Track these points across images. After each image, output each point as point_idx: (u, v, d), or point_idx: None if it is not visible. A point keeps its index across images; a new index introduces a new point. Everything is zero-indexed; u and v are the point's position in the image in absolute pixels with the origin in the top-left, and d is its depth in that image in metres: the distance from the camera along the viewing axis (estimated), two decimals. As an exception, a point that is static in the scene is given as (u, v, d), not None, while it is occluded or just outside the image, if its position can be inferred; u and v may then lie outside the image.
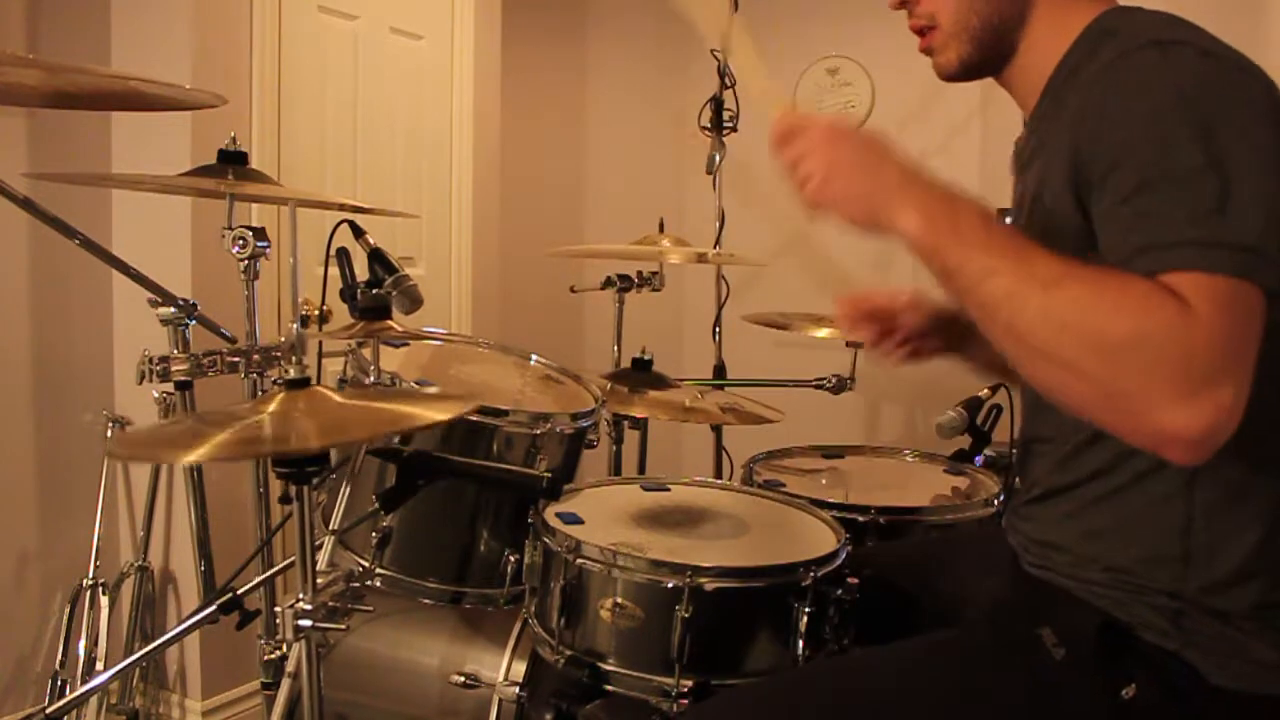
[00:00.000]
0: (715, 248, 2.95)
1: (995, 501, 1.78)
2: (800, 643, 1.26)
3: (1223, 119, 0.89)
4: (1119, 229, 0.91)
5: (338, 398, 1.15)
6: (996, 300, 0.90)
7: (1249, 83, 0.93)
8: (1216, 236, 0.85)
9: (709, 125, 2.92)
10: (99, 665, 2.27)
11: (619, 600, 1.27)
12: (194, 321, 1.64)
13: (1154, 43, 0.94)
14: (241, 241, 1.58)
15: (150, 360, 1.50)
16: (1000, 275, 0.90)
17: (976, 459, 2.11)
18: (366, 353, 1.62)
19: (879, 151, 0.99)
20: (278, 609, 1.23)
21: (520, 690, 1.52)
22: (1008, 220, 1.31)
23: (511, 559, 1.59)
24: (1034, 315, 0.87)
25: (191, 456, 1.01)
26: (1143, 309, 0.83)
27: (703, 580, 1.23)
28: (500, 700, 1.53)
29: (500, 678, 1.54)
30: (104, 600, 2.32)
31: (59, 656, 2.29)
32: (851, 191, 0.99)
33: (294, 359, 1.14)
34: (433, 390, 1.54)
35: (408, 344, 1.82)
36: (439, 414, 1.17)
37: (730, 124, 2.93)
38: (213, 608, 1.44)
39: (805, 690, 1.10)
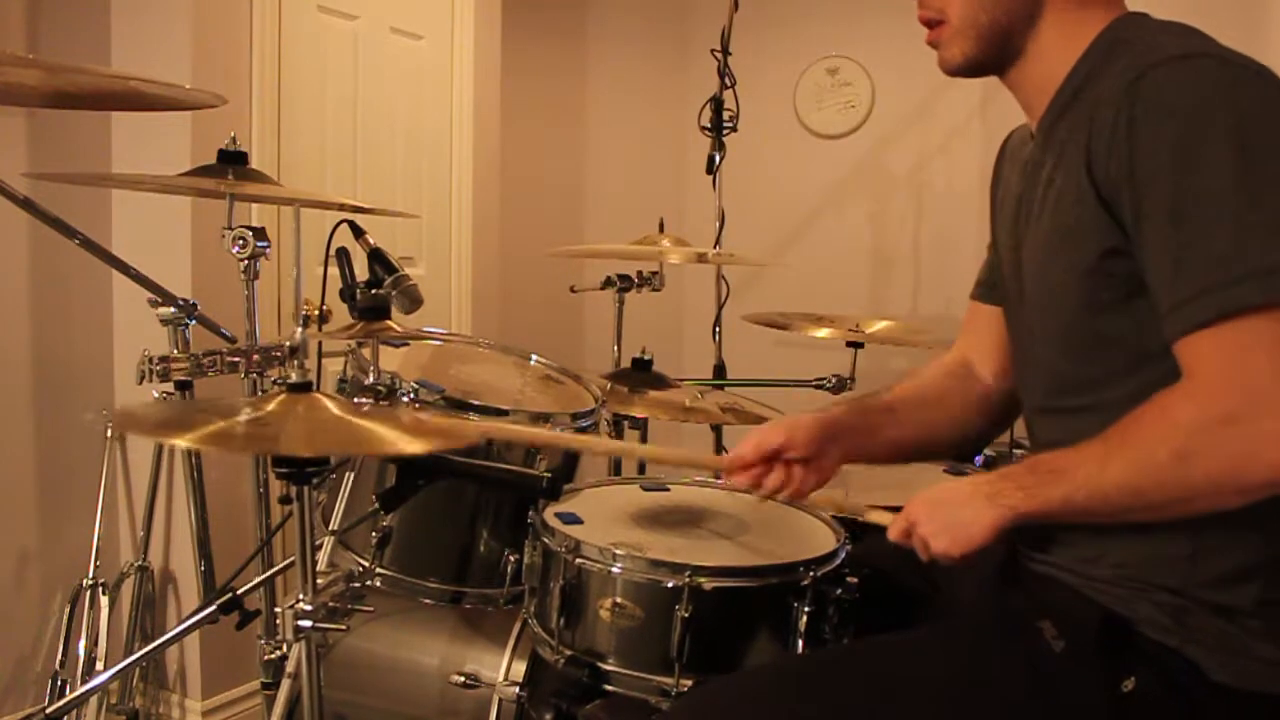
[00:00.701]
0: (715, 248, 2.95)
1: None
2: (800, 642, 1.26)
3: (1253, 131, 0.90)
4: (1158, 274, 0.95)
5: (335, 409, 1.16)
6: (1093, 512, 0.98)
7: (1270, 89, 0.94)
8: (1247, 267, 0.88)
9: (709, 125, 2.92)
10: (99, 665, 2.27)
11: (618, 600, 1.27)
12: (194, 321, 1.64)
13: (1171, 59, 0.95)
14: (241, 241, 1.58)
15: (150, 360, 1.50)
16: (1075, 494, 0.97)
17: (976, 459, 2.11)
18: (366, 353, 1.62)
19: (953, 492, 1.08)
20: (278, 609, 1.23)
21: (520, 690, 1.52)
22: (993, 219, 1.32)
23: (511, 559, 1.59)
24: (1117, 501, 0.96)
25: (185, 440, 1.02)
26: (1161, 432, 0.93)
27: (702, 580, 1.23)
28: (500, 700, 1.53)
29: (500, 678, 1.54)
30: (104, 600, 2.32)
31: (59, 656, 2.29)
32: (957, 533, 1.06)
33: (296, 363, 1.15)
34: (436, 397, 1.54)
35: (408, 344, 1.82)
36: (425, 445, 1.16)
37: (730, 124, 2.93)
38: (213, 608, 1.45)
39: (808, 676, 1.10)
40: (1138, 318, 0.97)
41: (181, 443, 1.09)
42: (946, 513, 1.06)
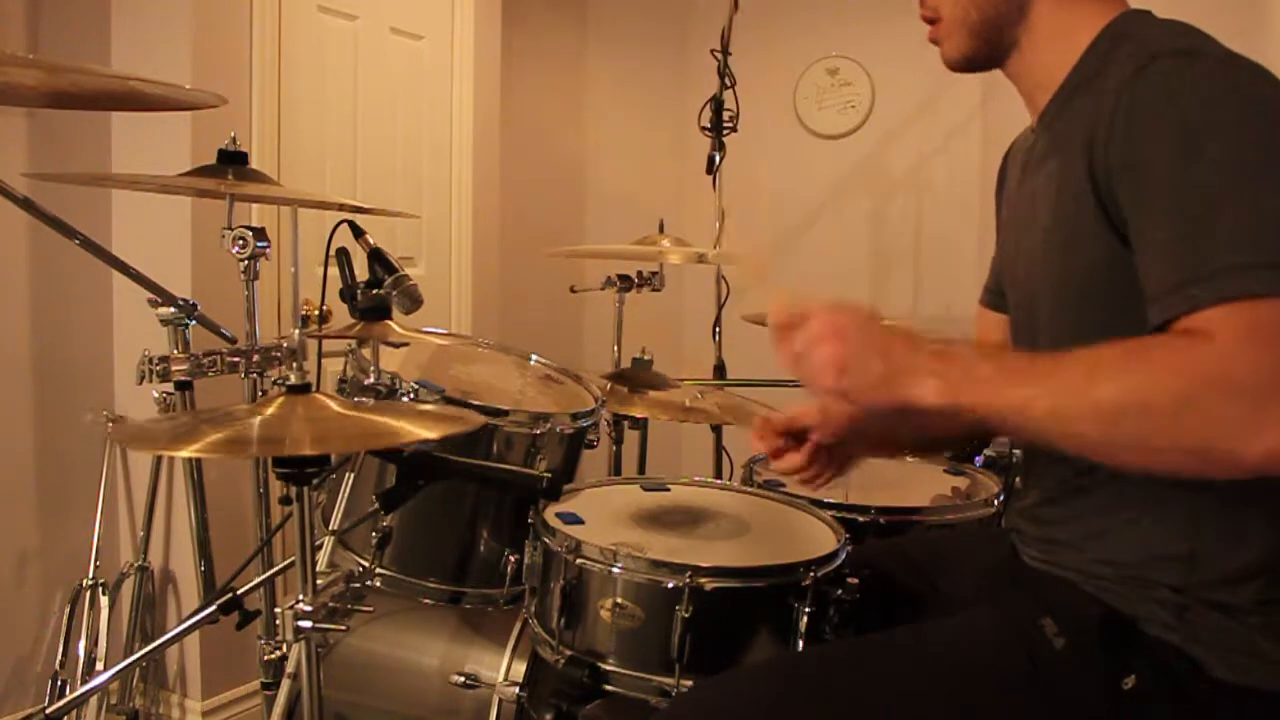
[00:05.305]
0: (715, 248, 2.95)
1: (995, 501, 1.78)
2: (801, 643, 1.26)
3: (1251, 129, 0.90)
4: (1155, 257, 0.92)
5: (335, 406, 1.16)
6: (1045, 424, 0.89)
7: (1271, 90, 0.94)
8: (1256, 258, 0.86)
9: (709, 125, 2.92)
10: (99, 665, 2.27)
11: (619, 600, 1.27)
12: (194, 321, 1.64)
13: (1177, 52, 0.95)
14: (241, 241, 1.58)
15: (150, 360, 1.50)
16: (1036, 400, 0.89)
17: (976, 459, 2.11)
18: (366, 353, 1.62)
19: (880, 331, 0.97)
20: (278, 609, 1.23)
21: (520, 690, 1.52)
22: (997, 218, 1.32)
23: (511, 559, 1.59)
24: (1086, 421, 0.87)
25: (187, 451, 1.02)
26: (1175, 369, 0.84)
27: (703, 580, 1.23)
28: (500, 700, 1.53)
29: (500, 678, 1.54)
30: (104, 600, 2.32)
31: (59, 656, 2.29)
32: (867, 380, 0.95)
33: (295, 364, 1.15)
34: (435, 396, 1.54)
35: (407, 344, 1.82)
36: (433, 431, 1.17)
37: (730, 124, 2.93)
38: (213, 608, 1.44)
39: (807, 674, 1.10)
40: (1139, 314, 0.96)
41: (184, 454, 1.09)
42: (857, 362, 0.95)
